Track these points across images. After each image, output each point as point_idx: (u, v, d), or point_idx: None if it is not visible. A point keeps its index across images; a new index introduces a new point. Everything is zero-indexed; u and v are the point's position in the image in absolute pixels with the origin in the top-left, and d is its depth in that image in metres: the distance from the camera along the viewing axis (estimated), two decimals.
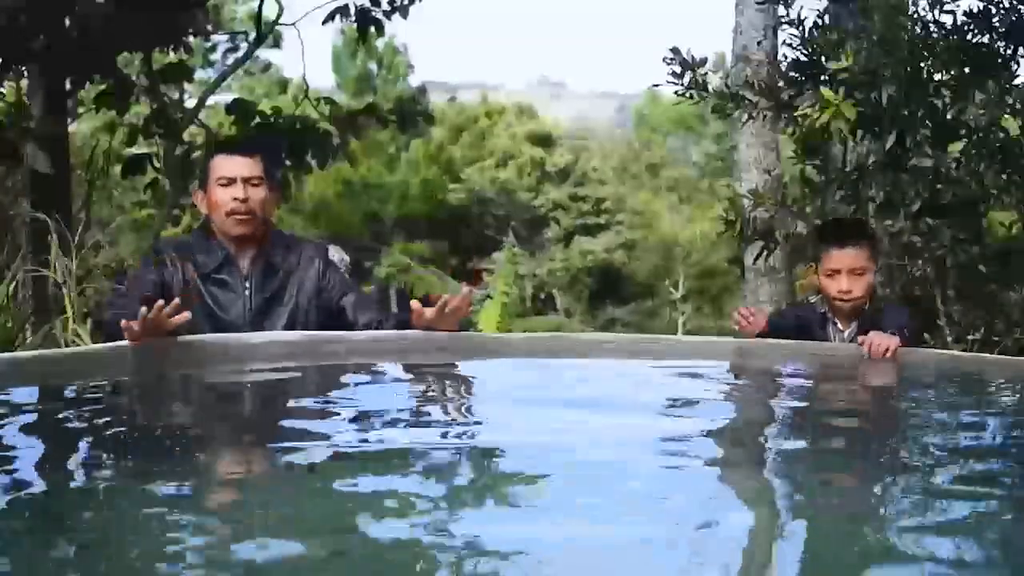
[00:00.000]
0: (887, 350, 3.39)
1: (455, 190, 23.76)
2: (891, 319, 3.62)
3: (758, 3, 5.32)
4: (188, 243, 3.54)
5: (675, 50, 4.68)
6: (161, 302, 2.96)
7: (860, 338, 3.54)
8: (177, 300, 3.03)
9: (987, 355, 4.02)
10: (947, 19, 4.43)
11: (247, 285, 3.45)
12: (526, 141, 24.94)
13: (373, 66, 25.41)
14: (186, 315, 3.03)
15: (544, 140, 25.20)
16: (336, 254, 5.07)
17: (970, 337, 4.45)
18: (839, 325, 3.73)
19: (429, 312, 3.34)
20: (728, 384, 3.56)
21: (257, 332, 3.34)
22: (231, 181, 3.45)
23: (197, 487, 2.04)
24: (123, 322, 2.94)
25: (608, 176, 25.28)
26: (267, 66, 23.54)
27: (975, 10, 4.44)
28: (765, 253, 5.06)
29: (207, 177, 3.50)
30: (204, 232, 3.52)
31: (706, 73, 4.71)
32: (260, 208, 3.47)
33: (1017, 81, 4.35)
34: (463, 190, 23.77)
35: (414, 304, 3.40)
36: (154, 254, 3.49)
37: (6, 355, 3.03)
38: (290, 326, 3.45)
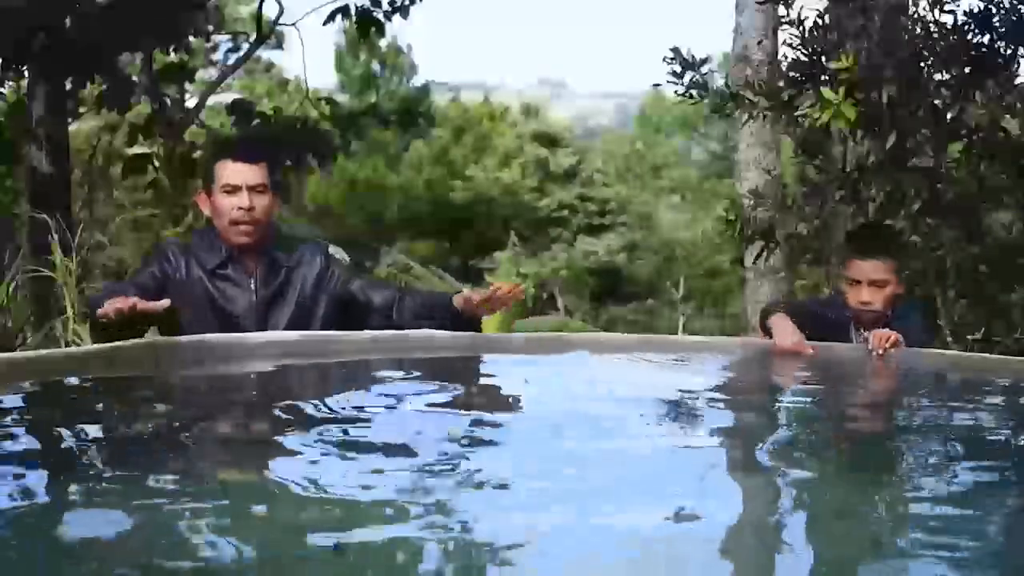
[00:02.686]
0: (887, 339, 3.41)
1: (457, 189, 23.74)
2: (901, 321, 3.61)
3: (758, 3, 5.32)
4: (192, 242, 3.53)
5: (675, 50, 4.68)
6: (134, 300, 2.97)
7: (865, 334, 3.55)
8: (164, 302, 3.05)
9: (987, 355, 4.02)
10: (947, 19, 4.43)
11: (252, 280, 3.46)
12: (531, 141, 24.91)
13: (376, 66, 25.38)
14: (164, 303, 3.04)
15: (549, 140, 25.16)
16: (336, 253, 5.09)
17: (970, 337, 4.45)
18: (862, 331, 3.71)
19: (477, 295, 3.37)
20: (727, 383, 3.56)
21: (257, 332, 3.35)
22: (236, 189, 3.42)
23: (193, 488, 2.04)
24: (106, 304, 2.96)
25: (611, 177, 25.26)
26: (269, 66, 23.53)
27: (975, 10, 4.44)
28: (765, 253, 5.06)
29: (211, 181, 3.48)
30: (208, 230, 3.52)
31: (706, 73, 4.71)
32: (264, 216, 3.46)
33: (1017, 81, 4.34)
34: (466, 189, 23.75)
35: (465, 291, 3.45)
36: (155, 251, 3.52)
37: (5, 355, 3.03)
38: (296, 320, 3.46)
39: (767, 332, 3.66)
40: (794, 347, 3.52)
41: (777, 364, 3.54)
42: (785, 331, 3.55)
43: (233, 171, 3.45)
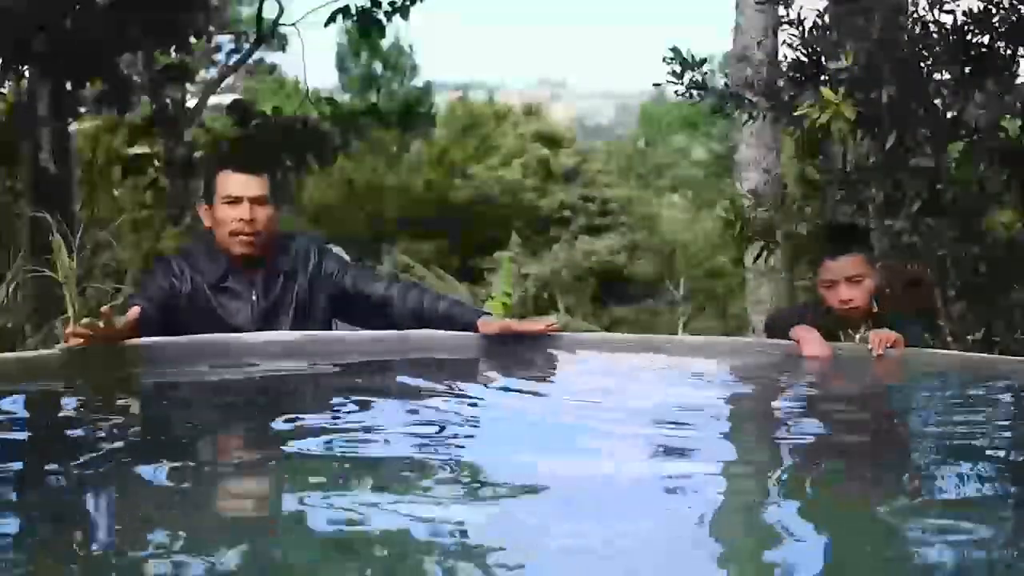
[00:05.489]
0: (886, 340, 3.43)
1: (459, 187, 23.71)
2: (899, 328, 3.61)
3: (758, 3, 5.31)
4: (193, 252, 3.54)
5: (675, 50, 4.68)
6: (106, 308, 2.94)
7: (865, 333, 3.55)
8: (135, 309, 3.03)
9: (987, 355, 4.01)
10: (947, 19, 4.42)
11: (253, 291, 3.46)
12: (533, 140, 24.85)
13: (378, 66, 25.33)
14: (135, 311, 3.02)
15: (551, 140, 25.10)
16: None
17: (970, 337, 4.44)
18: (851, 332, 3.71)
19: (518, 326, 3.46)
20: (728, 382, 3.56)
21: (257, 332, 3.36)
22: (237, 200, 3.43)
23: (194, 488, 2.04)
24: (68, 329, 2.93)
25: (613, 177, 25.22)
26: (272, 68, 23.49)
27: (975, 10, 4.43)
28: (765, 253, 5.06)
29: (212, 192, 3.49)
30: (209, 241, 3.53)
31: (706, 73, 4.70)
32: (265, 227, 3.47)
33: (1017, 81, 4.33)
34: (467, 187, 23.71)
35: (504, 321, 3.51)
36: (159, 262, 3.53)
37: (5, 355, 3.03)
38: (295, 325, 3.46)
39: (776, 335, 3.68)
40: (826, 357, 3.52)
41: (799, 366, 3.53)
42: (816, 342, 3.55)
43: (234, 182, 3.46)
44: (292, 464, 2.22)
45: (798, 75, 4.57)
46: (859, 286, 3.66)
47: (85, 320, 2.91)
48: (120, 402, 2.93)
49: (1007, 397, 3.28)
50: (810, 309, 3.88)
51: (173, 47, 7.71)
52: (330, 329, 3.58)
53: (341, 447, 2.35)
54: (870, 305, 3.69)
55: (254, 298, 3.46)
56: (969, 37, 4.39)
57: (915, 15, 4.48)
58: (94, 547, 1.71)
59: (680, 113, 27.29)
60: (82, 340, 2.92)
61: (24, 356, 3.27)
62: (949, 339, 4.36)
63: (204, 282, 3.43)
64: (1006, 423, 3.00)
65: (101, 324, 2.88)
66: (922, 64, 4.38)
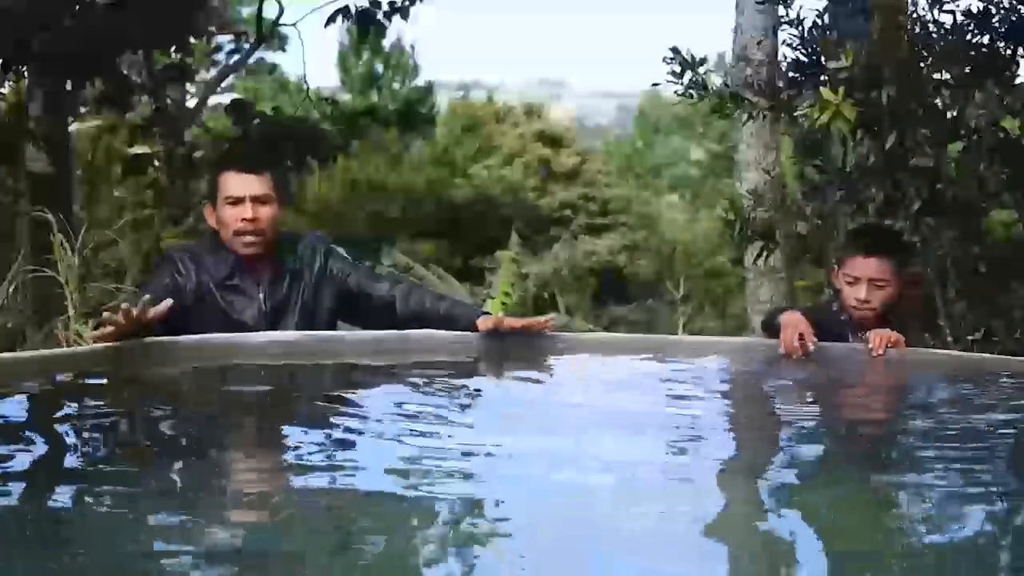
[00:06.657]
0: (887, 339, 3.42)
1: (460, 187, 23.69)
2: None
3: (758, 3, 5.31)
4: (199, 250, 3.54)
5: (675, 50, 4.68)
6: (126, 306, 2.96)
7: (867, 333, 3.54)
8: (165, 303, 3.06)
9: (987, 355, 4.02)
10: (947, 19, 4.43)
11: (259, 290, 3.46)
12: (533, 140, 24.83)
13: (379, 66, 25.29)
14: (166, 303, 3.06)
15: (551, 140, 25.08)
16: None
17: (970, 337, 4.44)
18: (860, 334, 3.70)
19: (510, 323, 3.45)
20: (728, 383, 3.56)
21: (261, 332, 3.36)
22: (239, 200, 3.43)
23: (197, 489, 2.04)
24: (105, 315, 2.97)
25: (612, 177, 25.22)
26: (273, 68, 23.47)
27: (975, 10, 4.43)
28: (765, 253, 5.06)
29: (214, 192, 3.49)
30: (215, 239, 3.53)
31: (706, 72, 4.70)
32: (269, 226, 3.46)
33: (1017, 81, 4.34)
34: (467, 186, 23.70)
35: (500, 317, 3.50)
36: (164, 261, 3.53)
37: (6, 355, 3.03)
38: (301, 324, 3.46)
39: (773, 333, 3.63)
40: (800, 338, 3.46)
41: (781, 362, 3.52)
42: (796, 321, 3.52)
43: (236, 182, 3.45)
44: (293, 463, 2.22)
45: (798, 75, 4.58)
46: (880, 291, 3.63)
47: (122, 306, 2.92)
48: (120, 401, 2.93)
49: (1006, 396, 3.29)
50: (830, 308, 3.86)
51: (173, 47, 7.72)
52: (335, 329, 3.58)
53: (340, 447, 2.35)
54: (881, 312, 3.66)
55: (261, 296, 3.46)
56: (969, 37, 4.39)
57: (915, 15, 4.48)
58: (97, 547, 1.71)
59: (677, 113, 27.30)
60: (113, 330, 2.94)
61: (21, 356, 3.27)
62: (949, 339, 4.36)
63: (210, 280, 3.43)
64: (998, 421, 3.00)
65: (135, 312, 2.91)
66: (922, 64, 4.38)
